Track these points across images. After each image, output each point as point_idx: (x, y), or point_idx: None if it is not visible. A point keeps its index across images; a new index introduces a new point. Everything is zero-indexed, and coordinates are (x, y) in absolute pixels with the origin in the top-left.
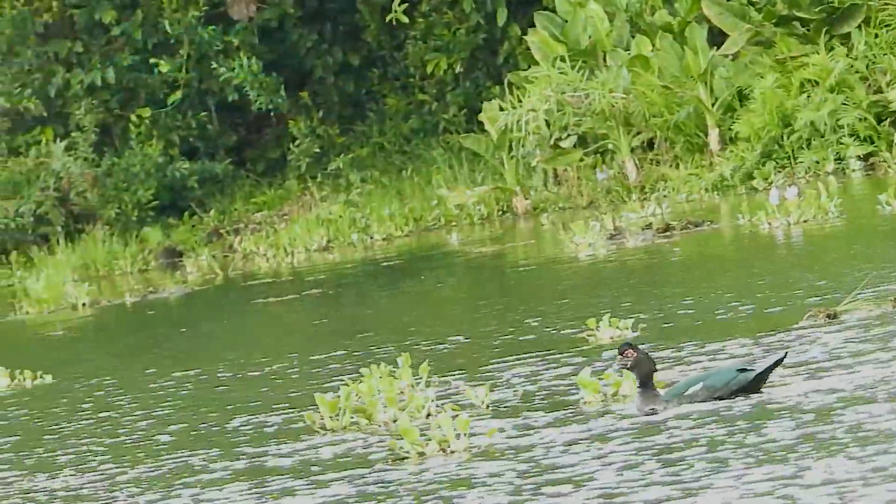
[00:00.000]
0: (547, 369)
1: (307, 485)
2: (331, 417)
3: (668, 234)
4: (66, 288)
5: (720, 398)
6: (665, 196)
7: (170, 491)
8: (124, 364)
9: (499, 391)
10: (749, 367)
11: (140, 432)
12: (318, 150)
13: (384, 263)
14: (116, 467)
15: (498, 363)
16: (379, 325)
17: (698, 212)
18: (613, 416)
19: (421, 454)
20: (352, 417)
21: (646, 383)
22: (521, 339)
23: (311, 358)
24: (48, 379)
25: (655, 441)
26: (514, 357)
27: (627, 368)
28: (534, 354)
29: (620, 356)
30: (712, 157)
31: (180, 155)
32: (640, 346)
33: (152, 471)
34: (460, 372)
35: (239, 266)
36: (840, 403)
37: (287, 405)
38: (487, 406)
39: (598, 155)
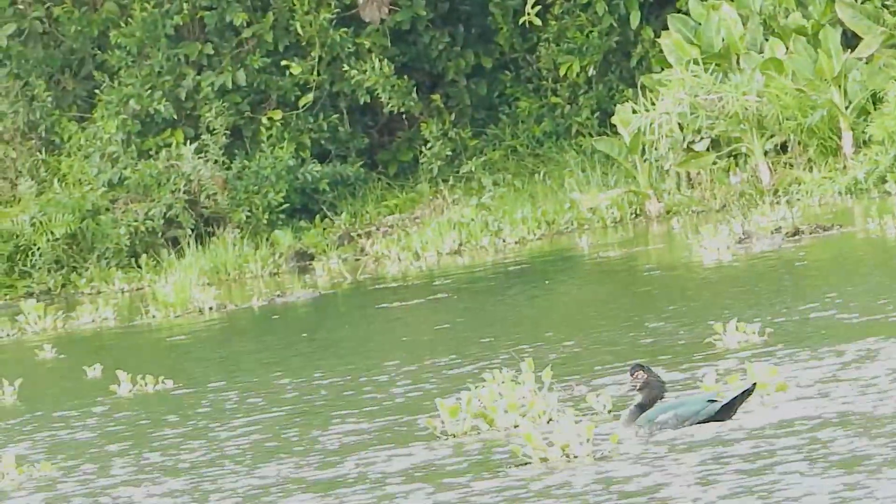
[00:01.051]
0: (672, 374)
1: (427, 490)
2: (451, 422)
3: (797, 237)
4: (194, 292)
5: (689, 426)
6: (798, 199)
7: (279, 497)
8: (245, 370)
9: (623, 396)
10: (718, 399)
11: (252, 437)
12: (450, 152)
13: (512, 267)
14: (225, 473)
15: (623, 368)
16: (504, 330)
17: (830, 215)
18: (738, 422)
19: (544, 460)
20: (473, 422)
21: (644, 406)
22: (647, 343)
23: (434, 363)
24: (169, 384)
25: (778, 444)
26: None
27: (637, 390)
28: (660, 359)
29: (631, 377)
30: (846, 161)
31: (311, 157)
32: (652, 369)
33: (259, 477)
34: (584, 377)
35: (368, 270)
36: None
37: (409, 410)
38: (609, 411)
39: (732, 158)
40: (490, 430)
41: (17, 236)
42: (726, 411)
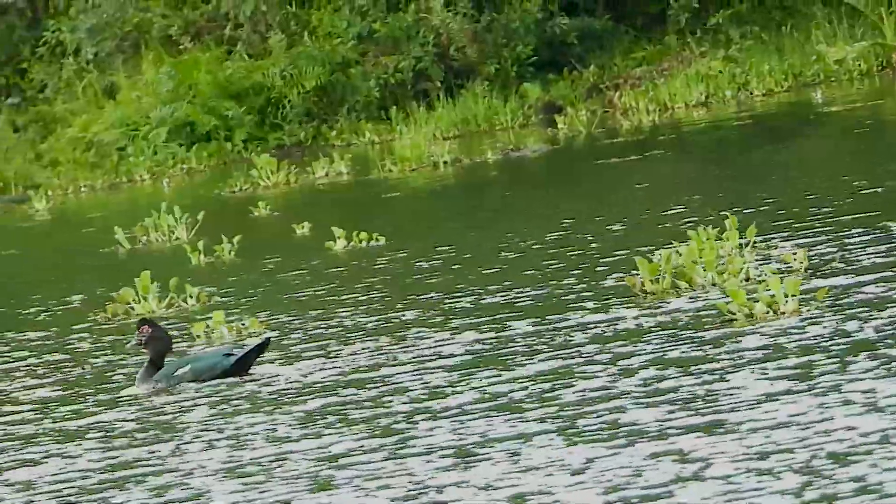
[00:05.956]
0: (879, 232)
1: (633, 348)
2: (651, 280)
3: None
4: (430, 146)
5: (206, 380)
6: None
7: (484, 355)
8: (456, 227)
9: (830, 252)
10: (234, 353)
11: (444, 298)
12: (697, 4)
13: (738, 122)
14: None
15: (829, 225)
16: (720, 186)
17: None
18: None
19: (749, 316)
20: (672, 281)
21: (155, 361)
22: (859, 203)
23: (639, 221)
24: (381, 241)
25: None
26: (849, 217)
27: (141, 345)
28: (867, 216)
29: (137, 332)
30: None
31: (559, 10)
32: (158, 323)
33: (458, 332)
34: (788, 234)
35: (607, 123)
36: None
37: (611, 267)
38: (805, 269)
39: None
40: (688, 289)
41: (269, 89)
42: (242, 364)
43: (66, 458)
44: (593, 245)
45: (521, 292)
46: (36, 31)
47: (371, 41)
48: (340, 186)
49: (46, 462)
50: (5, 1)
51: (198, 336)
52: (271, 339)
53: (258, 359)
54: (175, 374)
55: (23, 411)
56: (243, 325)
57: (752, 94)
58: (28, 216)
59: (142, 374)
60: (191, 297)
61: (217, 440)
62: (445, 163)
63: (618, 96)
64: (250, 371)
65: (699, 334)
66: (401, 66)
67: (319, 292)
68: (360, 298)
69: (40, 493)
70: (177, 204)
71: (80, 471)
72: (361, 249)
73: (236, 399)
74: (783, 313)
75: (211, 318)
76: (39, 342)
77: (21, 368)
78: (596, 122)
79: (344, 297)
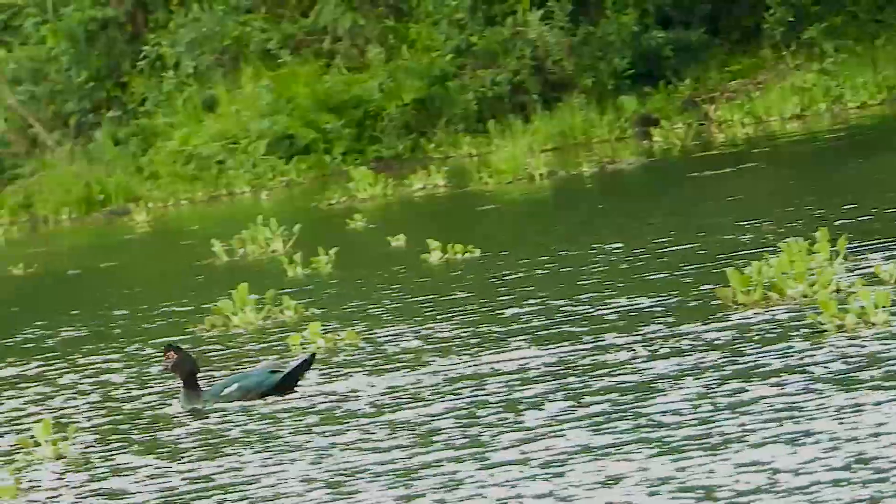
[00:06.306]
0: None
1: (724, 359)
2: (742, 292)
3: None
4: (526, 159)
5: (254, 398)
6: None
7: (569, 367)
8: (549, 239)
9: None
10: (279, 370)
11: (534, 310)
12: (792, 18)
13: (830, 135)
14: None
15: None
16: (809, 198)
17: None
18: None
19: (840, 327)
20: (764, 293)
21: (189, 383)
22: None
23: (732, 233)
24: (476, 253)
25: None
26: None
27: (169, 370)
28: None
29: (164, 358)
30: None
31: (655, 23)
32: (182, 347)
33: (545, 344)
34: (879, 246)
35: (702, 136)
36: None
37: (703, 279)
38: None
39: None
40: (781, 300)
41: (367, 102)
42: (288, 381)
43: (145, 471)
44: (685, 256)
45: (611, 304)
46: (136, 46)
47: (469, 54)
48: (437, 199)
49: (122, 476)
50: (106, 16)
51: (293, 346)
52: (316, 354)
53: (307, 373)
54: (223, 392)
55: (104, 424)
56: (339, 336)
57: (846, 106)
58: (128, 228)
59: (184, 395)
60: (287, 308)
61: (303, 450)
62: (541, 175)
63: (713, 109)
64: (296, 388)
65: (790, 345)
66: (498, 79)
67: (413, 304)
68: (451, 310)
69: None
70: (275, 216)
71: (159, 484)
72: (456, 261)
73: (322, 410)
74: (874, 325)
75: (307, 329)
76: (135, 353)
77: (111, 382)
78: (691, 134)
79: (436, 309)
